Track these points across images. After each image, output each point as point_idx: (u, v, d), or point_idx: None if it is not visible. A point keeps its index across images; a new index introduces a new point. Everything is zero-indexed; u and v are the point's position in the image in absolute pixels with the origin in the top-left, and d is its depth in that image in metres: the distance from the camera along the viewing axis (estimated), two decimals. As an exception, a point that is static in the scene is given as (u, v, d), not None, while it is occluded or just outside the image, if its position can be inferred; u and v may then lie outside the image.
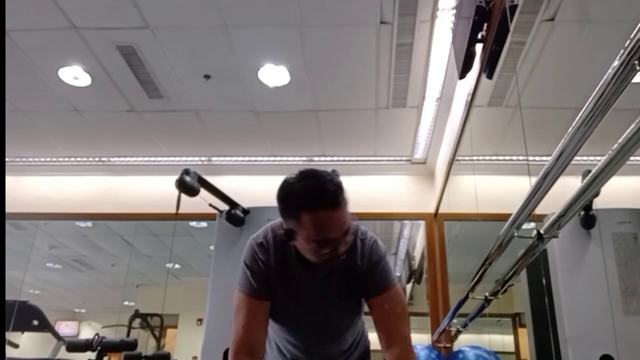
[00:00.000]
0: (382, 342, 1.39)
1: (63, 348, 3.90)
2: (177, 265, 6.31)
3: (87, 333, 6.99)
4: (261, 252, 1.44)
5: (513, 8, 1.71)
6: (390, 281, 1.43)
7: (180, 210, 2.85)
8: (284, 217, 1.30)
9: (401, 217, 4.57)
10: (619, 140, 1.03)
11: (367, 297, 1.45)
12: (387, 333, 1.38)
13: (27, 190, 4.62)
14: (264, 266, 1.42)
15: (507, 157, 3.89)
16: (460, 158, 3.36)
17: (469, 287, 2.35)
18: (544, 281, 2.75)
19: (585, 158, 1.39)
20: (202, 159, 4.45)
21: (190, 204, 2.97)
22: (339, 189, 1.24)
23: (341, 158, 4.34)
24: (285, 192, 1.27)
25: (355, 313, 1.55)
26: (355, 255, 1.41)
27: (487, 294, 2.30)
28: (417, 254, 5.28)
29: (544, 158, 1.28)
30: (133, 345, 3.33)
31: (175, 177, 2.89)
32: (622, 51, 0.88)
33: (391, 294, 1.41)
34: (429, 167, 4.37)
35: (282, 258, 1.42)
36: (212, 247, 3.62)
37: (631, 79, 0.89)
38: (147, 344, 5.69)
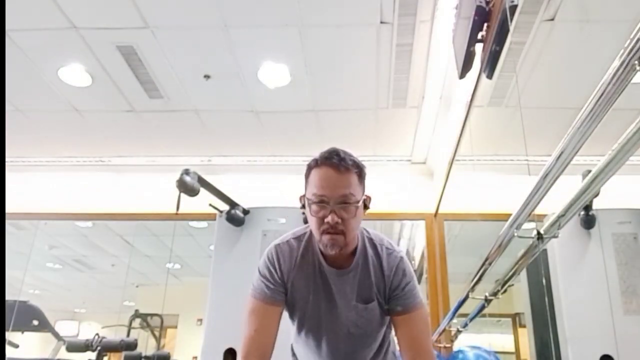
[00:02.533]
0: (407, 358, 1.38)
1: (63, 348, 3.90)
2: (177, 265, 6.30)
3: (87, 333, 6.99)
4: (278, 257, 1.44)
5: (513, 8, 1.71)
6: (419, 301, 1.40)
7: (180, 210, 2.85)
8: (305, 180, 1.37)
9: (401, 217, 4.57)
10: (619, 140, 1.03)
11: (393, 313, 1.42)
12: (413, 350, 1.36)
13: (27, 190, 4.62)
14: (280, 271, 1.42)
15: (507, 157, 3.89)
16: (460, 158, 3.36)
17: (469, 287, 2.35)
18: (544, 281, 2.75)
19: (585, 158, 1.39)
20: (202, 159, 4.44)
21: (190, 204, 2.97)
22: (353, 162, 1.31)
23: (341, 158, 4.33)
24: (311, 159, 1.36)
25: (378, 320, 1.50)
26: (381, 263, 1.40)
27: (487, 294, 2.30)
28: (417, 254, 5.28)
29: (544, 158, 1.28)
30: (133, 345, 3.33)
31: (175, 177, 2.89)
32: (622, 51, 0.88)
33: (419, 314, 1.39)
34: (429, 167, 4.37)
35: (304, 261, 1.42)
36: (212, 247, 3.62)
37: (631, 79, 0.89)
38: (147, 344, 5.69)
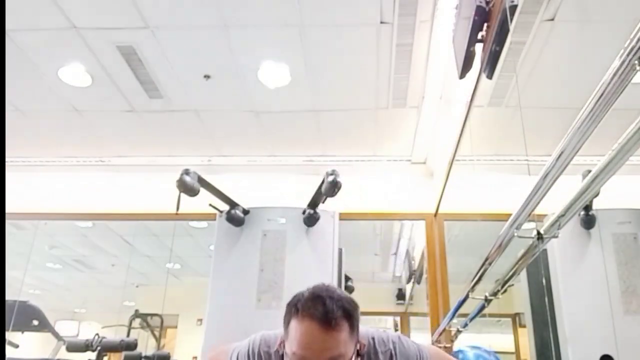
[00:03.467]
0: None
1: (63, 348, 3.90)
2: (177, 265, 6.31)
3: (87, 333, 6.99)
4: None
5: (513, 8, 1.71)
6: (426, 353, 1.36)
7: (180, 210, 2.85)
8: (283, 324, 1.17)
9: (401, 217, 4.57)
10: (619, 140, 1.03)
11: None
12: None
13: (27, 190, 4.62)
14: None
15: (507, 157, 3.89)
16: (460, 158, 3.36)
17: (469, 287, 2.35)
18: (544, 281, 2.75)
19: (585, 158, 1.39)
20: (202, 159, 4.44)
21: (190, 204, 2.97)
22: (343, 311, 1.09)
23: (341, 158, 4.34)
24: (291, 299, 1.16)
25: None
26: None
27: (487, 294, 2.30)
28: (417, 254, 5.29)
29: (544, 158, 1.28)
30: (133, 345, 3.33)
31: (175, 177, 2.89)
32: (622, 51, 0.88)
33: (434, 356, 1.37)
34: (429, 167, 4.37)
35: None
36: (212, 247, 3.62)
37: (631, 79, 0.89)
38: (147, 344, 5.69)
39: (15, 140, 4.26)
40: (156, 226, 5.21)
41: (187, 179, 2.88)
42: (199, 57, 3.20)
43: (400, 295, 6.93)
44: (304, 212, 3.34)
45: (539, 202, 1.37)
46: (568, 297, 2.77)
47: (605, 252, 2.82)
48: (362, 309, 1.26)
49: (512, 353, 5.08)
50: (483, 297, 2.31)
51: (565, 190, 1.36)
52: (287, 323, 1.13)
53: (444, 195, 3.81)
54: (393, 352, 1.31)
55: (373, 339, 1.30)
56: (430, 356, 1.37)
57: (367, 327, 1.34)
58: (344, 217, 3.51)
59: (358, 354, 1.17)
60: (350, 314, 1.11)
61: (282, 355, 1.21)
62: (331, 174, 2.94)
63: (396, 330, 6.91)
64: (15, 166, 4.57)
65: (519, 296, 3.38)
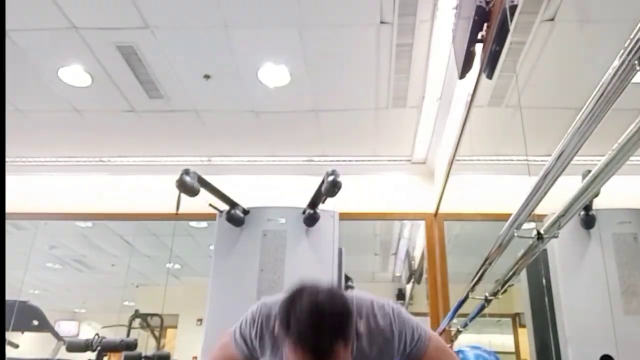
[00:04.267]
0: None
1: (63, 348, 3.90)
2: (177, 265, 6.30)
3: (87, 333, 6.99)
4: (260, 326, 1.36)
5: (513, 8, 1.71)
6: (427, 335, 1.38)
7: (180, 210, 2.85)
8: (279, 322, 1.19)
9: (401, 217, 4.57)
10: (619, 140, 1.03)
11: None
12: None
13: (27, 190, 4.62)
14: (258, 339, 1.37)
15: (507, 157, 3.88)
16: (460, 158, 3.36)
17: (469, 287, 2.35)
18: (544, 281, 2.75)
19: (585, 158, 1.39)
20: (202, 159, 4.44)
21: (190, 204, 2.97)
22: (338, 334, 1.10)
23: (341, 158, 4.34)
24: (284, 312, 1.15)
25: None
26: (382, 332, 1.33)
27: (487, 294, 2.30)
28: (417, 254, 5.29)
29: (544, 158, 1.28)
30: (133, 345, 3.33)
31: (175, 177, 2.89)
32: (622, 51, 0.88)
33: (434, 345, 1.37)
34: (429, 167, 4.37)
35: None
36: (212, 247, 3.62)
37: (631, 79, 0.89)
38: (147, 344, 5.69)
39: (15, 140, 4.25)
40: (156, 226, 5.21)
41: (187, 179, 2.89)
42: (199, 57, 3.20)
43: (400, 295, 6.93)
44: (304, 212, 3.34)
45: (539, 202, 1.37)
46: (568, 297, 2.77)
47: (605, 252, 2.82)
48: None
49: (512, 353, 5.08)
50: (483, 297, 2.32)
51: (565, 191, 1.36)
52: (283, 333, 1.15)
53: (444, 195, 3.81)
54: (392, 316, 1.35)
55: (372, 302, 1.36)
56: (428, 339, 1.38)
57: (366, 293, 1.39)
58: (344, 217, 3.51)
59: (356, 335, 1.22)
60: (343, 330, 1.12)
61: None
62: (331, 174, 2.94)
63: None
64: (15, 166, 4.57)
65: (519, 296, 3.37)
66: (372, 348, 1.33)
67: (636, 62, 0.85)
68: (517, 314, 5.07)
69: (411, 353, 1.37)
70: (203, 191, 3.03)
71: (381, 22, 2.83)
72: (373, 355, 1.33)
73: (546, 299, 2.71)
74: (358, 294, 1.36)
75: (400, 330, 1.35)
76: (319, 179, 3.09)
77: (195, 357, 4.90)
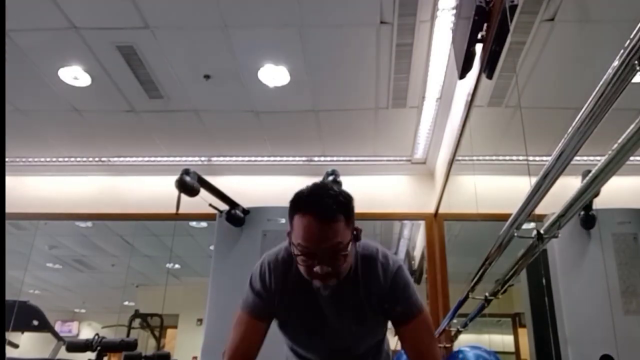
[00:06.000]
0: None
1: (63, 348, 3.90)
2: (177, 265, 6.30)
3: (87, 333, 7.00)
4: (270, 273, 1.41)
5: (513, 8, 1.71)
6: (419, 307, 1.39)
7: (180, 210, 2.85)
8: (288, 217, 1.30)
9: (401, 217, 4.57)
10: (619, 140, 1.03)
11: (395, 323, 1.41)
12: (419, 358, 1.36)
13: (27, 190, 4.62)
14: (271, 287, 1.40)
15: (507, 157, 3.88)
16: (460, 158, 3.36)
17: (469, 287, 2.35)
18: (544, 281, 2.75)
19: (585, 158, 1.39)
20: (202, 159, 4.45)
21: (190, 204, 2.97)
22: (339, 205, 1.23)
23: (341, 158, 4.34)
24: (293, 197, 1.28)
25: (377, 336, 1.51)
26: (377, 278, 1.37)
27: (487, 294, 2.30)
28: (417, 254, 5.28)
29: (544, 158, 1.28)
30: (133, 345, 3.33)
31: (175, 177, 2.89)
32: (622, 51, 0.88)
33: (421, 319, 1.38)
34: (429, 167, 4.37)
35: (295, 278, 1.37)
36: (212, 247, 3.62)
37: (631, 79, 0.89)
38: (147, 344, 5.69)
39: (15, 140, 4.26)
40: (156, 226, 5.21)
41: (187, 179, 2.89)
42: (199, 57, 3.20)
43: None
44: (304, 212, 3.33)
45: (539, 202, 1.37)
46: (568, 297, 2.77)
47: (605, 252, 2.82)
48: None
49: (512, 353, 5.08)
50: (483, 297, 2.31)
51: (565, 191, 1.36)
52: (291, 217, 1.27)
53: (444, 195, 3.81)
54: (392, 268, 1.38)
55: (376, 253, 1.40)
56: (419, 310, 1.38)
57: (377, 243, 1.44)
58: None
59: (356, 238, 1.31)
60: (345, 205, 1.25)
61: (286, 260, 1.38)
62: (331, 174, 2.94)
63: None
64: (15, 166, 4.57)
65: (519, 296, 3.38)
66: (365, 287, 1.37)
67: (636, 62, 0.85)
68: (517, 314, 5.06)
69: (395, 311, 1.38)
70: (203, 191, 3.03)
71: (381, 22, 2.83)
72: (362, 293, 1.37)
73: (546, 299, 2.71)
74: (366, 239, 1.41)
75: (396, 284, 1.37)
76: (319, 179, 3.10)
77: (195, 357, 4.90)
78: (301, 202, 1.25)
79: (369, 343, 1.51)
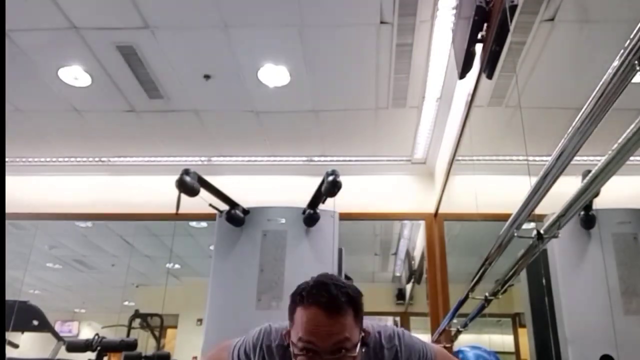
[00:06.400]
0: None
1: (63, 348, 3.90)
2: (177, 265, 6.30)
3: (87, 333, 6.99)
4: (263, 355, 1.32)
5: (513, 8, 1.71)
6: (432, 353, 1.34)
7: (180, 210, 2.85)
8: (288, 313, 1.19)
9: (401, 217, 4.57)
10: (619, 140, 1.03)
11: None
12: None
13: (27, 190, 4.62)
14: None
15: (507, 157, 3.88)
16: (460, 158, 3.36)
17: (469, 287, 2.35)
18: (544, 281, 2.75)
19: (585, 158, 1.39)
20: (202, 159, 4.45)
21: (190, 204, 2.97)
22: (348, 298, 1.11)
23: (341, 158, 4.34)
24: (295, 289, 1.17)
25: None
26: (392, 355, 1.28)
27: (487, 294, 2.30)
28: (417, 254, 5.29)
29: (544, 158, 1.28)
30: (133, 345, 3.33)
31: (175, 177, 2.89)
32: (622, 51, 0.88)
33: (440, 357, 1.35)
34: (429, 167, 4.37)
35: None
36: (212, 247, 3.62)
37: (631, 79, 0.89)
38: (147, 344, 5.69)
39: (15, 140, 4.26)
40: (156, 226, 5.21)
41: (187, 179, 2.89)
42: (199, 57, 3.20)
43: (400, 296, 6.93)
44: (304, 212, 3.34)
45: (539, 202, 1.37)
46: (568, 297, 2.77)
47: (605, 252, 2.82)
48: (362, 309, 1.26)
49: (512, 353, 5.08)
50: (483, 297, 2.32)
51: (565, 191, 1.36)
52: (292, 312, 1.15)
53: (444, 195, 3.81)
54: (399, 347, 1.30)
55: (379, 333, 1.31)
56: (435, 355, 1.35)
57: (373, 322, 1.34)
58: (344, 217, 3.51)
59: (363, 342, 1.18)
60: (354, 300, 1.13)
61: (285, 347, 1.22)
62: (331, 174, 2.94)
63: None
64: (15, 166, 4.57)
65: (519, 296, 3.38)
66: None
67: (636, 62, 0.85)
68: (517, 314, 5.07)
69: None
70: (203, 191, 3.03)
71: (381, 22, 2.83)
72: None
73: (546, 299, 2.71)
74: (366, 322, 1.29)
75: (409, 352, 1.30)
76: (319, 179, 3.10)
77: (195, 357, 4.90)
78: (305, 292, 1.12)
79: None
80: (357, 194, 4.21)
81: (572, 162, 1.17)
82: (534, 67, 2.93)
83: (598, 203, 2.68)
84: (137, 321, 5.59)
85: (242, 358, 1.35)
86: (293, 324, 1.14)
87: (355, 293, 1.14)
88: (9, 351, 4.27)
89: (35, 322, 4.30)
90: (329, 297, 1.09)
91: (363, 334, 1.18)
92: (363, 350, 1.21)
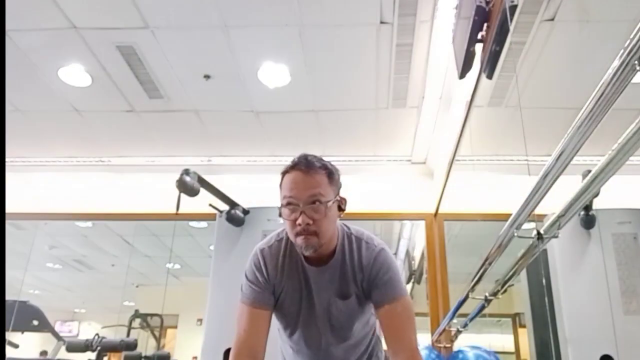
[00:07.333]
0: (390, 351, 1.39)
1: (63, 348, 3.90)
2: (177, 265, 6.31)
3: (87, 333, 6.99)
4: (263, 261, 1.45)
5: (513, 8, 1.71)
6: (399, 291, 1.40)
7: (180, 210, 2.85)
8: (280, 188, 1.39)
9: (401, 217, 4.56)
10: (619, 140, 1.03)
11: (375, 305, 1.43)
12: (394, 342, 1.36)
13: (27, 190, 4.62)
14: (266, 274, 1.44)
15: (507, 157, 3.89)
16: (460, 158, 3.36)
17: (469, 287, 2.35)
18: (544, 281, 2.75)
19: (585, 158, 1.39)
20: (202, 159, 4.44)
21: (190, 204, 2.97)
22: (322, 164, 1.34)
23: (341, 158, 4.34)
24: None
25: (358, 315, 1.51)
26: (361, 257, 1.41)
27: (487, 294, 2.30)
28: (417, 254, 5.28)
29: (544, 158, 1.28)
30: (133, 345, 3.33)
31: (175, 177, 2.89)
32: (622, 51, 0.88)
33: (400, 304, 1.38)
34: (429, 167, 4.37)
35: (288, 262, 1.44)
36: (212, 247, 3.62)
37: (631, 79, 0.89)
38: (147, 344, 5.69)
39: (15, 140, 4.26)
40: (156, 226, 5.21)
41: (187, 179, 2.89)
42: (199, 57, 3.20)
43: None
44: (304, 212, 3.33)
45: (539, 202, 1.37)
46: (568, 297, 2.78)
47: (605, 252, 2.83)
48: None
49: (512, 353, 5.09)
50: (483, 297, 2.31)
51: (565, 190, 1.36)
52: (280, 183, 1.37)
53: (444, 195, 3.81)
54: (376, 250, 1.42)
55: (363, 234, 1.47)
56: (400, 295, 1.39)
57: (367, 230, 1.50)
58: (344, 217, 3.50)
59: (340, 207, 1.39)
60: (327, 166, 1.36)
61: (279, 240, 1.46)
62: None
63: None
64: (15, 166, 4.57)
65: (519, 296, 3.38)
66: (350, 263, 1.42)
67: (636, 62, 0.85)
68: (517, 314, 5.07)
69: (375, 292, 1.39)
70: (203, 191, 3.03)
71: (381, 22, 2.83)
72: (347, 270, 1.41)
73: (546, 299, 2.71)
74: (357, 227, 1.50)
75: (378, 264, 1.40)
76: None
77: (195, 357, 4.90)
78: (289, 164, 1.35)
79: (357, 328, 1.51)
80: (357, 194, 4.21)
81: (572, 162, 1.17)
82: (534, 67, 2.94)
83: (598, 203, 2.69)
84: (137, 321, 5.59)
85: (253, 277, 1.44)
86: (281, 188, 1.36)
87: (331, 166, 1.38)
88: (9, 351, 4.27)
89: (35, 322, 4.30)
90: (306, 162, 1.33)
91: (339, 199, 1.38)
92: (346, 242, 1.42)
